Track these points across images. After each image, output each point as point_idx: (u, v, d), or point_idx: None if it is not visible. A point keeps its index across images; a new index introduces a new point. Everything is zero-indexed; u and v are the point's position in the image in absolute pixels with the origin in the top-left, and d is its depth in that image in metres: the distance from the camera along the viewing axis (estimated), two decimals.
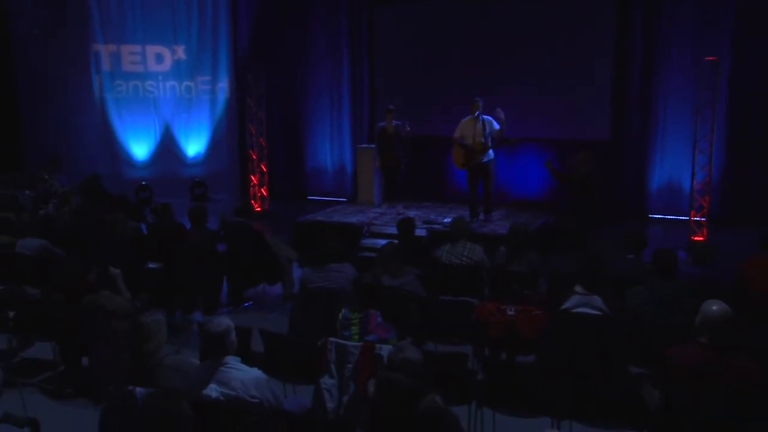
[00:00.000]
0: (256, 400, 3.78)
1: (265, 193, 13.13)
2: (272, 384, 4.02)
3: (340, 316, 4.83)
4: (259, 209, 12.95)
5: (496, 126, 9.81)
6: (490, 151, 9.97)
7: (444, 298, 5.90)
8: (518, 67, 12.04)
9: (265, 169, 13.11)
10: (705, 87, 10.32)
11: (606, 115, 12.01)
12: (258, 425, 3.72)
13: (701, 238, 10.52)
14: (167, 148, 14.30)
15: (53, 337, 5.98)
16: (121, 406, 3.74)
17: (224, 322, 3.99)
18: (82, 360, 5.93)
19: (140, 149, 14.26)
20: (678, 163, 11.49)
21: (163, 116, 14.26)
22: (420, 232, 9.23)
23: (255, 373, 3.92)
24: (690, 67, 11.08)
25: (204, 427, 3.68)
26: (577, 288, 5.16)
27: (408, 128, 10.59)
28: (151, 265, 7.28)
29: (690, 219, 10.72)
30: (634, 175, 12.13)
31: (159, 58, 14.16)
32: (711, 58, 10.26)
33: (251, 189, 13.11)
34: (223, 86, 14.40)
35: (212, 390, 3.79)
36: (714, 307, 4.03)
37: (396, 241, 6.85)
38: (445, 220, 9.91)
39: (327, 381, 4.66)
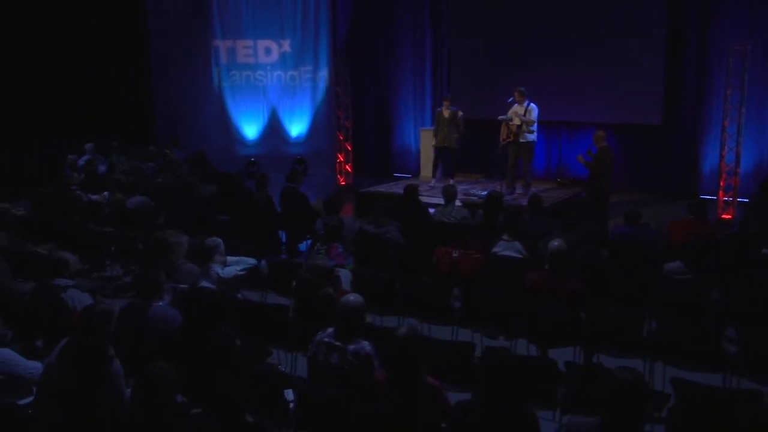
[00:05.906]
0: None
1: (349, 169, 15.04)
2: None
3: (315, 247, 6.60)
4: (344, 183, 14.90)
5: (535, 115, 11.13)
6: (530, 135, 11.27)
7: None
8: (575, 56, 13.15)
9: (350, 148, 15.00)
10: (733, 73, 11.09)
11: (658, 100, 12.91)
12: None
13: (729, 216, 11.32)
14: (273, 129, 16.52)
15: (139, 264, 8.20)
16: None
17: (216, 240, 5.88)
18: None
19: (250, 130, 16.60)
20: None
21: (271, 101, 16.46)
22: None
23: (229, 269, 5.80)
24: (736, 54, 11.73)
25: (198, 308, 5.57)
26: (503, 236, 6.64)
27: (461, 113, 12.05)
28: (222, 217, 9.35)
29: (719, 198, 11.54)
30: (684, 158, 12.93)
31: (268, 51, 16.36)
32: (739, 46, 10.99)
33: (337, 165, 15.05)
34: (324, 75, 16.32)
35: (204, 283, 5.68)
36: (555, 243, 5.45)
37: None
38: (482, 193, 11.30)
39: None
